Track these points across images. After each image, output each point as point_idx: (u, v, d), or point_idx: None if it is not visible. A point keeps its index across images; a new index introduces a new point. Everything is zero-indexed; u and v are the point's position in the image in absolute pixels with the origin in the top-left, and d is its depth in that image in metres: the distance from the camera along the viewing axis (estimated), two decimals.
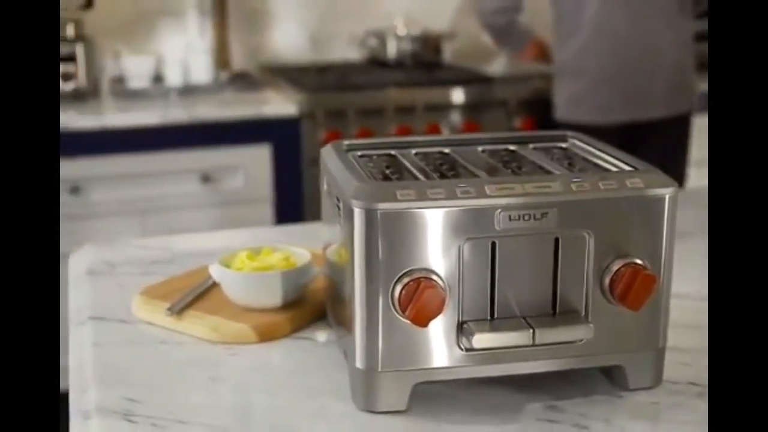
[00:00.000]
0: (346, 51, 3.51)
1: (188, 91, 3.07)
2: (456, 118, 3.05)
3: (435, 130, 2.98)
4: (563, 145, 1.17)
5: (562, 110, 2.88)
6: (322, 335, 1.16)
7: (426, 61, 3.37)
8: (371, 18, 3.50)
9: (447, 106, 3.05)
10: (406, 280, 0.93)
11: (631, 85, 2.77)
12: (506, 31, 3.04)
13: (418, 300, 0.91)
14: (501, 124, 3.06)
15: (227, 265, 1.22)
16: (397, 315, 0.94)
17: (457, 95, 3.05)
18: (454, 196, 0.93)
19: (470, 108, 3.06)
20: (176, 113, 2.83)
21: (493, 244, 0.94)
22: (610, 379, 1.03)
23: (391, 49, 3.39)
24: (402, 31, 3.41)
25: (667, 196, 0.97)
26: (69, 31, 3.03)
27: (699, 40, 2.94)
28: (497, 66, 3.40)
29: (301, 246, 1.27)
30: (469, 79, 3.16)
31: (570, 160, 1.12)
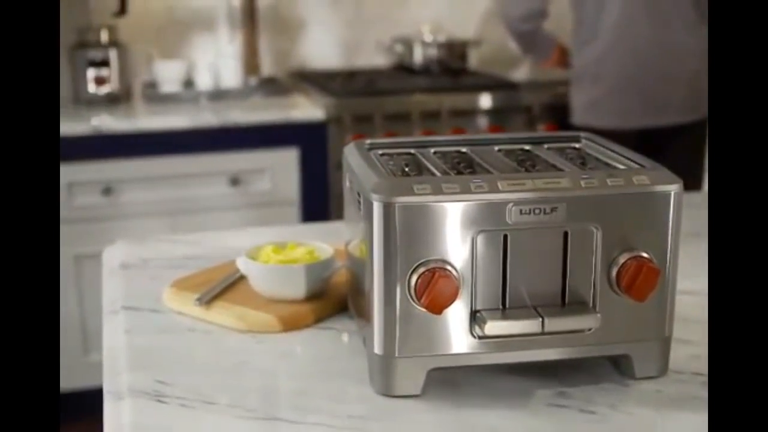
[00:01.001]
0: (373, 57, 3.58)
1: (218, 95, 3.14)
2: (480, 123, 3.10)
3: (462, 134, 3.02)
4: (577, 145, 1.22)
5: (579, 115, 2.91)
6: (345, 336, 1.21)
7: (452, 68, 3.42)
8: (398, 25, 3.56)
9: (472, 112, 3.10)
10: (421, 270, 0.98)
11: (650, 91, 2.81)
12: (532, 37, 3.08)
13: (433, 289, 0.96)
14: (526, 130, 3.10)
15: (254, 259, 1.27)
16: (414, 303, 0.99)
17: (482, 101, 3.10)
18: (467, 191, 0.98)
19: (495, 113, 3.11)
20: (206, 117, 2.90)
21: (505, 237, 0.99)
22: (618, 368, 1.07)
23: (418, 56, 3.44)
24: (428, 37, 3.47)
25: (672, 193, 1.02)
26: (103, 37, 3.11)
27: None
28: (522, 72, 3.44)
29: (324, 242, 1.33)
30: (494, 85, 3.21)
31: (582, 160, 1.17)
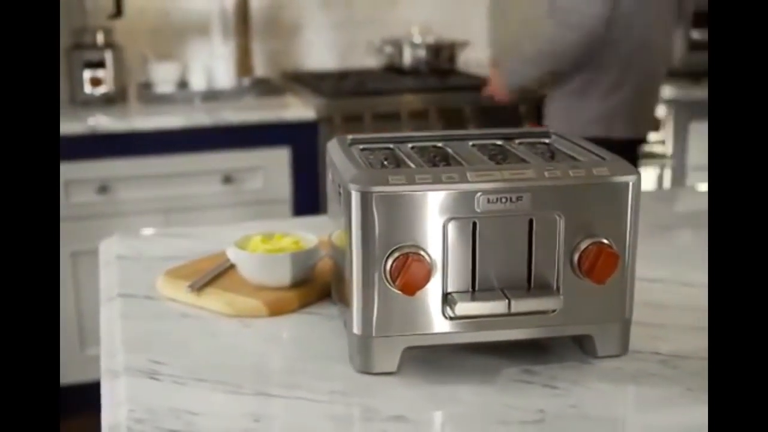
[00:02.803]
0: (364, 58, 3.65)
1: (212, 96, 3.21)
2: (468, 122, 3.17)
3: None
4: (546, 140, 1.29)
5: (594, 127, 2.79)
6: (328, 320, 1.28)
7: (440, 69, 3.50)
8: (388, 27, 3.64)
9: (460, 111, 3.17)
10: (396, 254, 1.05)
11: (651, 102, 2.93)
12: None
13: (407, 272, 1.04)
14: None
15: (242, 248, 1.35)
16: (390, 286, 1.06)
17: (469, 101, 3.17)
18: (439, 181, 1.06)
19: (482, 113, 3.18)
20: (200, 117, 2.97)
21: (474, 224, 1.07)
22: (581, 347, 1.15)
23: (407, 57, 3.52)
24: (417, 39, 3.55)
25: (630, 183, 1.09)
26: (99, 38, 3.19)
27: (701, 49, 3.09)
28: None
29: (310, 233, 1.40)
30: (481, 85, 3.27)
31: (551, 153, 1.24)
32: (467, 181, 1.06)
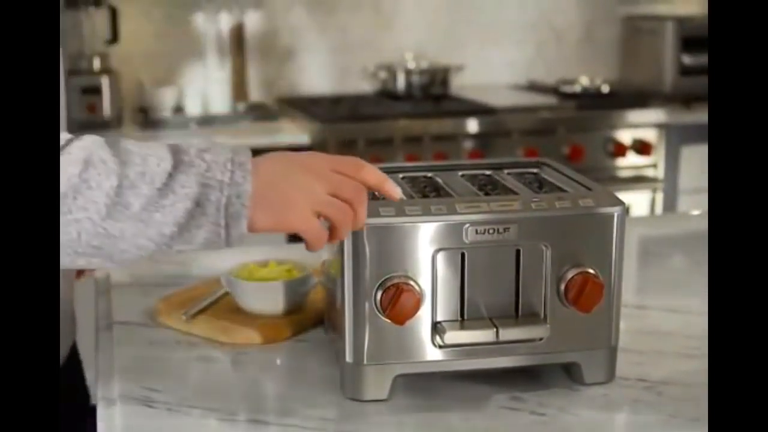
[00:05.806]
0: (359, 83, 3.68)
1: (207, 121, 3.24)
2: (462, 147, 3.19)
3: (442, 159, 3.12)
4: (535, 170, 1.32)
5: None
6: (320, 348, 1.30)
7: (434, 93, 3.52)
8: (383, 52, 3.67)
9: (454, 137, 3.19)
10: (386, 285, 1.08)
11: None
12: None
13: (396, 302, 1.06)
14: (506, 154, 3.20)
15: (237, 276, 1.37)
16: (380, 315, 1.09)
17: (464, 126, 3.19)
18: (428, 213, 1.08)
19: (476, 138, 3.20)
20: (196, 142, 2.99)
21: (463, 255, 1.09)
22: (569, 374, 1.17)
23: (401, 82, 3.54)
24: (411, 64, 3.58)
25: (615, 214, 1.12)
26: (95, 64, 3.22)
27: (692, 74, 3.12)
28: (503, 98, 3.54)
29: (303, 261, 1.42)
30: (475, 110, 3.30)
31: (539, 183, 1.27)
32: (456, 213, 1.09)
